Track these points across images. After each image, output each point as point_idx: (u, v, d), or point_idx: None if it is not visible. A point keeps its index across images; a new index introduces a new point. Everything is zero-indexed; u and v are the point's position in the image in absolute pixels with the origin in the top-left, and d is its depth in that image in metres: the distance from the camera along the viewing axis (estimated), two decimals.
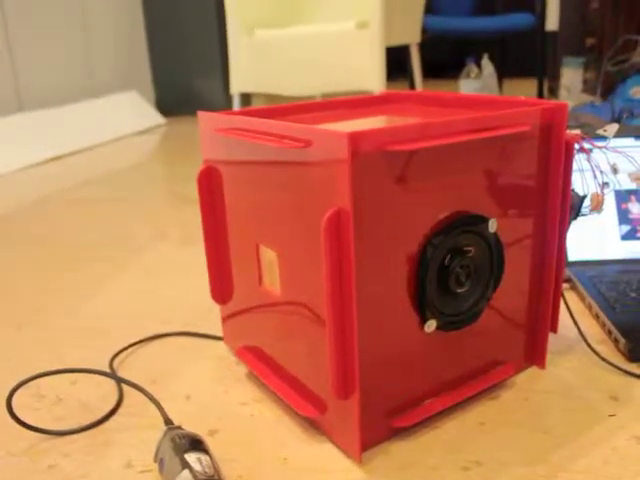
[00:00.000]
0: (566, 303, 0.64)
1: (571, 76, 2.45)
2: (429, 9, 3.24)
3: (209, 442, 0.56)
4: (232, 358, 0.71)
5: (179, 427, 0.53)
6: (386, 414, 0.53)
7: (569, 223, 0.61)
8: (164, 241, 1.16)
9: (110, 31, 2.75)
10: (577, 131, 0.59)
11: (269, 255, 0.58)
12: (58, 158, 2.11)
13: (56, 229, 1.28)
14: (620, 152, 0.66)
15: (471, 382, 0.59)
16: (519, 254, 0.59)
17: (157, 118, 2.79)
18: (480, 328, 0.58)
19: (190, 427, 0.58)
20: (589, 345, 0.65)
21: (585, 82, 2.43)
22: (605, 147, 0.61)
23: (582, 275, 0.81)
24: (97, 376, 0.68)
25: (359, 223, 0.47)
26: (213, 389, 0.65)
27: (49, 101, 2.42)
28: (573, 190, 0.60)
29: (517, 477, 0.49)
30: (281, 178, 0.53)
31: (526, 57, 3.84)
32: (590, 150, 0.60)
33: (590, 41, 2.45)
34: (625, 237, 0.86)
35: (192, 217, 1.31)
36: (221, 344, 0.74)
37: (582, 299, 0.79)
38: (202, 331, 0.78)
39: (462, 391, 0.58)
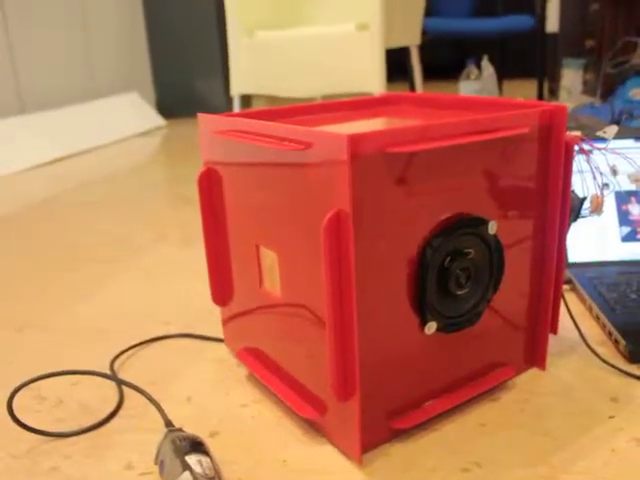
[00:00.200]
0: (566, 304, 0.64)
1: (571, 77, 2.45)
2: (429, 11, 3.24)
3: (210, 444, 0.56)
4: (232, 360, 0.71)
5: (180, 429, 0.53)
6: (386, 416, 0.53)
7: (569, 225, 0.61)
8: (165, 242, 1.16)
9: (111, 32, 2.76)
10: (577, 133, 0.60)
11: (269, 257, 0.58)
12: (59, 160, 2.12)
13: (57, 230, 1.28)
14: (620, 153, 0.66)
15: (471, 384, 0.59)
16: (519, 256, 0.59)
17: (158, 120, 2.80)
18: (480, 330, 0.58)
19: (191, 429, 0.58)
20: (589, 347, 0.65)
21: (585, 83, 2.43)
22: (605, 149, 0.61)
23: (582, 276, 0.82)
24: (98, 378, 0.68)
25: (359, 225, 0.47)
26: (214, 391, 0.65)
27: (50, 103, 2.42)
28: (573, 192, 0.60)
29: (517, 479, 0.49)
30: (281, 180, 0.53)
31: (526, 58, 3.84)
32: (590, 151, 0.60)
33: (590, 43, 2.45)
34: (625, 239, 0.86)
35: (192, 218, 1.31)
36: (222, 346, 0.74)
37: (582, 301, 0.79)
38: (203, 333, 0.78)
39: (462, 393, 0.58)
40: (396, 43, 1.92)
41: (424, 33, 2.64)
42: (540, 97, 2.77)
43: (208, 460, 0.48)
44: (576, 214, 0.61)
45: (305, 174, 0.49)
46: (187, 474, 0.46)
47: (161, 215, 1.35)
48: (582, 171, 0.60)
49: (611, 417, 0.56)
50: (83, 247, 1.16)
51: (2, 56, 2.18)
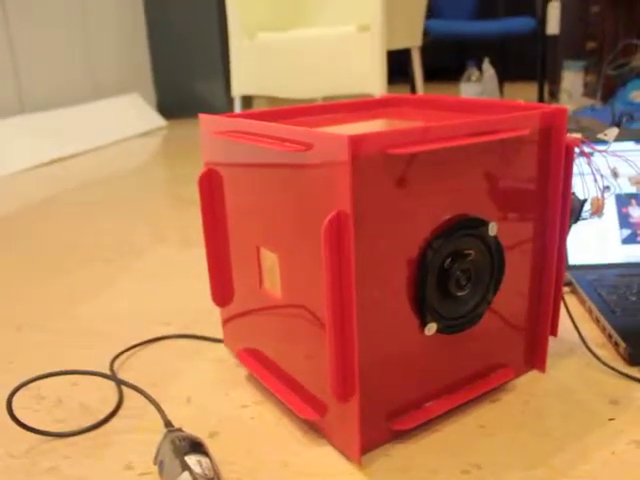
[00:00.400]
0: (566, 307, 0.64)
1: (572, 80, 2.46)
2: (430, 13, 3.25)
3: (209, 444, 0.56)
4: (232, 360, 0.71)
5: (179, 429, 0.53)
6: (386, 417, 0.53)
7: (569, 227, 0.61)
8: (165, 243, 1.16)
9: (112, 33, 2.76)
10: (577, 135, 0.60)
11: (270, 258, 0.58)
12: (59, 160, 2.12)
13: (57, 230, 1.28)
14: (620, 156, 0.66)
15: (471, 385, 0.59)
16: (519, 257, 0.59)
17: (158, 120, 2.80)
18: (480, 331, 0.58)
19: (190, 429, 0.58)
20: (589, 349, 0.65)
21: (586, 86, 2.43)
22: (605, 151, 0.61)
23: (582, 279, 0.82)
24: (97, 378, 0.68)
25: (359, 226, 0.47)
26: (213, 391, 0.65)
27: (51, 103, 2.42)
28: (573, 194, 0.60)
29: None
30: (282, 181, 0.53)
31: (527, 61, 3.85)
32: (591, 154, 0.60)
33: (591, 45, 2.45)
34: (626, 241, 0.86)
35: (193, 219, 1.31)
36: (221, 346, 0.74)
37: (582, 303, 0.79)
38: (202, 333, 0.78)
39: (462, 394, 0.58)
40: (397, 45, 1.92)
41: (425, 35, 2.64)
42: (541, 99, 2.77)
43: (207, 460, 0.48)
44: (576, 216, 0.61)
45: (306, 175, 0.49)
46: (186, 474, 0.46)
47: (161, 216, 1.35)
48: (583, 173, 0.60)
49: (611, 419, 0.56)
50: (83, 247, 1.16)
51: (3, 56, 2.18)
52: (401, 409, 0.54)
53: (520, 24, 3.00)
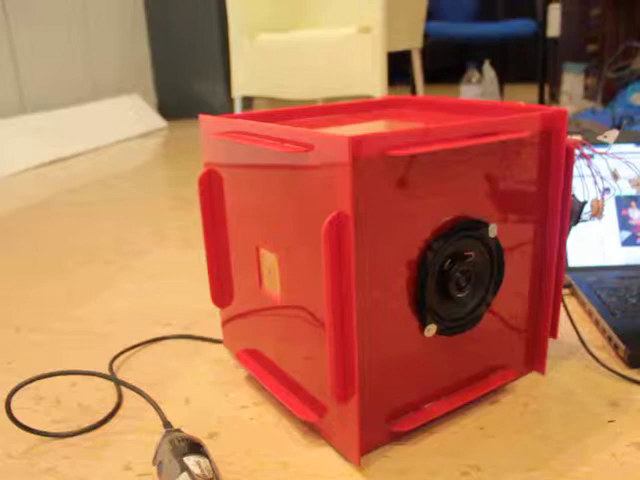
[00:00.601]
0: (566, 309, 0.64)
1: (572, 82, 2.46)
2: (431, 14, 3.25)
3: (208, 445, 0.56)
4: (232, 361, 0.71)
5: (178, 430, 0.53)
6: (385, 418, 0.53)
7: (569, 229, 0.61)
8: (164, 244, 1.16)
9: (112, 34, 2.76)
10: (578, 137, 0.60)
11: (269, 258, 0.58)
12: (60, 160, 2.12)
13: (57, 231, 1.28)
14: (621, 158, 0.66)
15: (471, 387, 0.59)
16: (519, 259, 0.59)
17: (159, 121, 2.80)
18: (480, 333, 0.58)
19: (189, 430, 0.58)
20: (589, 351, 0.64)
21: (586, 88, 2.43)
22: (606, 153, 0.61)
23: (582, 281, 0.81)
24: (96, 378, 0.68)
25: (359, 227, 0.47)
26: (212, 392, 0.65)
27: (51, 103, 2.42)
28: (573, 196, 0.60)
29: None
30: (282, 182, 0.53)
31: (527, 63, 3.85)
32: (591, 156, 0.60)
33: (591, 47, 2.45)
34: (625, 243, 0.86)
35: (193, 220, 1.31)
36: (221, 347, 0.74)
37: (582, 305, 0.79)
38: (202, 334, 0.78)
39: (462, 396, 0.57)
40: (398, 46, 1.93)
41: (426, 37, 2.64)
42: (541, 101, 2.77)
43: (207, 461, 0.48)
44: (576, 218, 0.61)
45: (306, 176, 0.49)
46: (185, 475, 0.46)
47: (161, 216, 1.35)
48: (583, 175, 0.60)
49: (610, 421, 0.56)
50: (83, 248, 1.16)
51: (3, 56, 2.18)
52: (400, 410, 0.54)
53: (521, 26, 3.00)
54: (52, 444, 0.57)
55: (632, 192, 0.86)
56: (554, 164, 0.58)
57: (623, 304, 0.74)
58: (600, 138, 0.62)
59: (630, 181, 0.62)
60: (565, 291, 0.84)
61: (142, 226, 1.28)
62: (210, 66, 2.93)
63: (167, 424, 0.56)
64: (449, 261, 0.53)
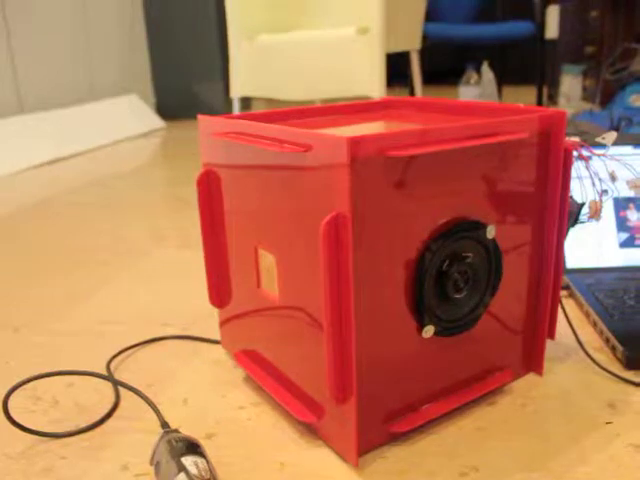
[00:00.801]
0: (564, 310, 0.64)
1: (570, 84, 2.46)
2: (430, 16, 3.26)
3: (206, 446, 0.56)
4: (230, 362, 0.71)
5: (176, 430, 0.53)
6: (383, 419, 0.53)
7: (567, 230, 0.61)
8: (163, 244, 1.16)
9: (111, 34, 2.76)
10: (576, 138, 0.60)
11: (268, 259, 0.58)
12: (58, 161, 2.12)
13: (55, 231, 1.28)
14: (619, 160, 0.66)
15: (469, 388, 0.59)
16: (517, 260, 0.59)
17: (157, 122, 2.80)
18: (478, 334, 0.58)
19: (187, 431, 0.58)
20: (586, 352, 0.65)
21: (584, 90, 2.44)
22: (604, 155, 0.61)
23: (580, 282, 0.82)
24: (94, 379, 0.68)
25: (358, 228, 0.47)
26: (210, 393, 0.65)
27: (49, 103, 2.42)
28: (571, 197, 0.61)
29: None
30: (280, 182, 0.53)
31: (526, 64, 3.86)
32: (589, 157, 0.60)
33: (589, 49, 2.46)
34: (623, 245, 0.86)
35: (191, 220, 1.31)
36: (219, 348, 0.74)
37: (580, 306, 0.79)
38: (200, 335, 0.78)
39: (460, 397, 0.57)
40: (396, 48, 1.93)
41: (424, 38, 2.64)
42: (539, 103, 2.78)
43: (204, 462, 0.48)
44: (574, 219, 0.61)
45: (304, 176, 0.49)
46: (183, 475, 0.46)
47: (160, 217, 1.35)
48: (581, 177, 0.60)
49: (608, 423, 0.56)
50: (81, 248, 1.16)
51: (2, 57, 2.18)
52: (398, 411, 0.54)
53: (519, 28, 3.01)
54: (49, 444, 0.57)
55: (630, 194, 0.86)
56: (552, 166, 0.58)
57: (621, 306, 0.74)
58: (598, 140, 0.62)
59: (628, 183, 0.62)
60: (563, 292, 0.84)
61: (140, 226, 1.28)
62: (208, 67, 2.93)
63: (165, 424, 0.56)
64: (447, 262, 0.53)
